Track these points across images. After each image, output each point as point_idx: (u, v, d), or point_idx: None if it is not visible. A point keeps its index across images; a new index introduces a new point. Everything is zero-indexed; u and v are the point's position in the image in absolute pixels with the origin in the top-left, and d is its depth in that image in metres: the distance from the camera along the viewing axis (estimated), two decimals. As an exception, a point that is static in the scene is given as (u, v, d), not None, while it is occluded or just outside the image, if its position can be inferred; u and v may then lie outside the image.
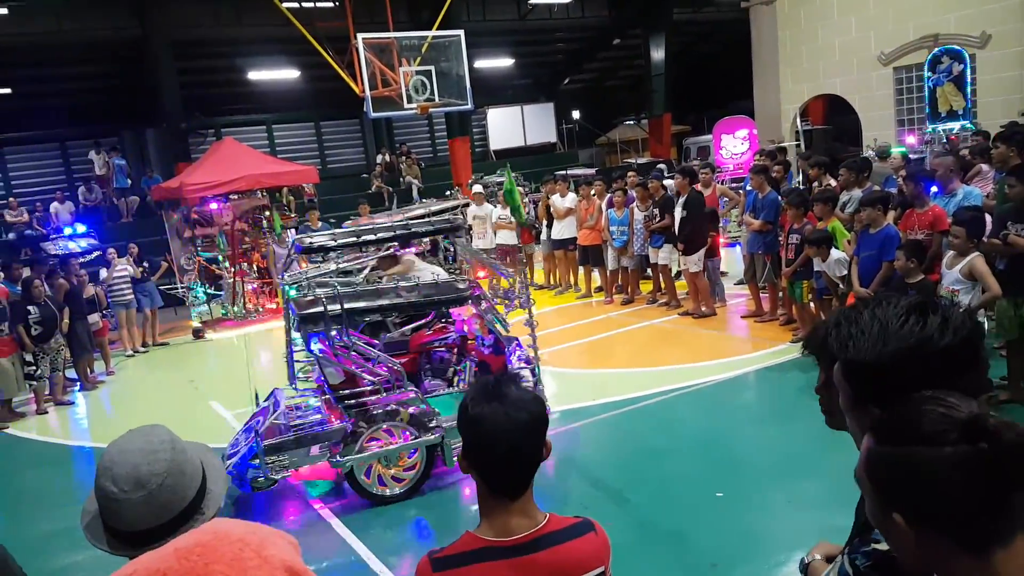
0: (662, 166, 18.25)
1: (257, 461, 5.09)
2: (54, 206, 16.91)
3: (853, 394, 1.31)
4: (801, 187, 9.19)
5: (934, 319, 1.25)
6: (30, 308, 8.67)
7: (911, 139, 13.38)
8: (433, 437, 5.22)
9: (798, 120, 16.65)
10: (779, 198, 8.21)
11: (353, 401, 5.30)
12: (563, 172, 17.32)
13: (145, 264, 11.39)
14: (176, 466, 1.49)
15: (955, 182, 6.55)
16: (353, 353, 5.24)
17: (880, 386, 1.23)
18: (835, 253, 6.75)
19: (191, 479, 1.53)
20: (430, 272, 6.59)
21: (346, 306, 5.13)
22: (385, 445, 5.19)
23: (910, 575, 1.14)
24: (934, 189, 6.71)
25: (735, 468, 5.18)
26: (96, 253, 12.64)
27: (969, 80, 13.53)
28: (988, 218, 6.13)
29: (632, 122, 27.63)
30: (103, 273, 10.98)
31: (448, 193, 16.60)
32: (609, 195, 11.02)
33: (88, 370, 9.69)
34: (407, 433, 5.22)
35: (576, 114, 27.34)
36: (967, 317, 1.28)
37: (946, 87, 13.74)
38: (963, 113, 13.56)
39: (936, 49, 13.86)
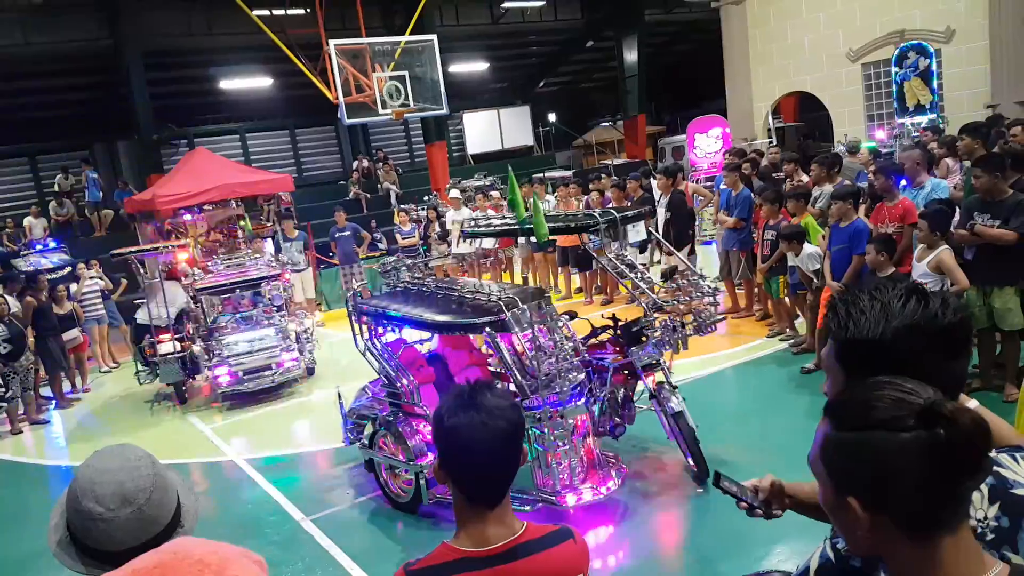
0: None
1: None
2: (28, 220, 16.67)
3: (845, 378, 1.32)
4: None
5: (935, 299, 1.29)
6: (-5, 325, 8.49)
7: (880, 134, 13.57)
8: (416, 464, 4.85)
9: (770, 118, 16.83)
10: (752, 195, 8.29)
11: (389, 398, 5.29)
12: (541, 175, 17.38)
13: (102, 279, 11.20)
14: (159, 480, 1.50)
15: (923, 175, 6.65)
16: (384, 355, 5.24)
17: (877, 367, 1.23)
18: (808, 248, 6.83)
19: (172, 493, 1.54)
20: None
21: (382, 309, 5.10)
22: (388, 453, 5.14)
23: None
24: (903, 183, 6.81)
25: (715, 464, 5.19)
26: (68, 269, 12.46)
27: (935, 74, 13.77)
28: (957, 209, 6.24)
29: (608, 124, 27.76)
30: (73, 287, 10.83)
31: (426, 198, 16.58)
32: (586, 197, 11.07)
33: (62, 387, 9.55)
34: (403, 452, 4.99)
35: (552, 117, 27.43)
36: (959, 301, 1.33)
37: (913, 82, 13.98)
38: (930, 107, 13.79)
39: (902, 45, 14.09)
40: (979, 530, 1.24)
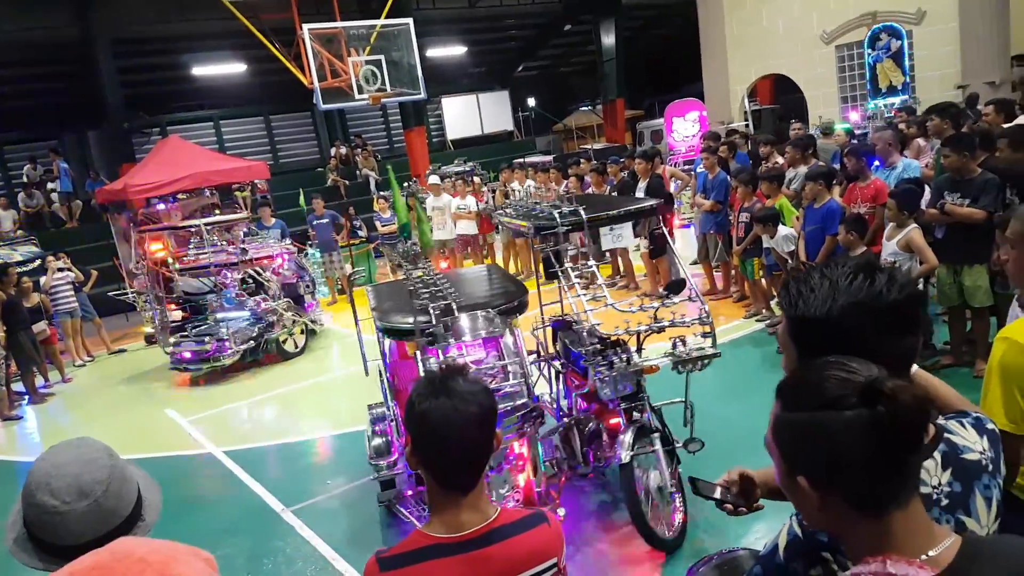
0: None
1: None
2: (-3, 212, 16.37)
3: (798, 355, 1.34)
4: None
5: (882, 276, 1.29)
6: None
7: (854, 115, 13.68)
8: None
9: (746, 100, 16.90)
10: (728, 178, 8.34)
11: None
12: (521, 160, 17.33)
13: (71, 273, 11.03)
14: (117, 472, 1.48)
15: (895, 155, 6.73)
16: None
17: (827, 344, 1.25)
18: (782, 230, 6.89)
19: (131, 485, 1.52)
20: None
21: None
22: None
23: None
24: (876, 163, 6.89)
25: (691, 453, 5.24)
26: (38, 261, 12.26)
27: (907, 56, 13.88)
28: (927, 188, 6.32)
29: (587, 108, 27.72)
30: (42, 280, 10.65)
31: (406, 184, 16.48)
32: (565, 181, 11.06)
33: (35, 382, 9.41)
34: None
35: (532, 101, 27.33)
36: (908, 277, 1.33)
37: (885, 63, 14.08)
38: (902, 88, 13.91)
39: (875, 26, 14.18)
40: (934, 496, 1.27)
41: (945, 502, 1.28)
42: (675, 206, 11.04)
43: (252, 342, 8.93)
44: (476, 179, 13.73)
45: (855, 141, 9.92)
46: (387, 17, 13.31)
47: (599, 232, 4.54)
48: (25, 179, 18.04)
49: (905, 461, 1.06)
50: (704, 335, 4.33)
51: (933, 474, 1.28)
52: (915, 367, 1.58)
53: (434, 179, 13.35)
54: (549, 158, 19.49)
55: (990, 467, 1.34)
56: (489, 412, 1.64)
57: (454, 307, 4.06)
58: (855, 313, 1.27)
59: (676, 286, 4.43)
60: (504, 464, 3.91)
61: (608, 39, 22.62)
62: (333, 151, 21.55)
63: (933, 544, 1.08)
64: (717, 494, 1.74)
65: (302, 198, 13.51)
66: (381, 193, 15.90)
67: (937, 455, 1.30)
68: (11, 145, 20.04)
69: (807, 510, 1.13)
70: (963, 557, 1.07)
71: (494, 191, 13.19)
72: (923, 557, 1.06)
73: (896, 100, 13.60)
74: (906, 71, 13.89)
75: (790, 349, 1.37)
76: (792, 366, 1.37)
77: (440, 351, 3.84)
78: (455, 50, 24.11)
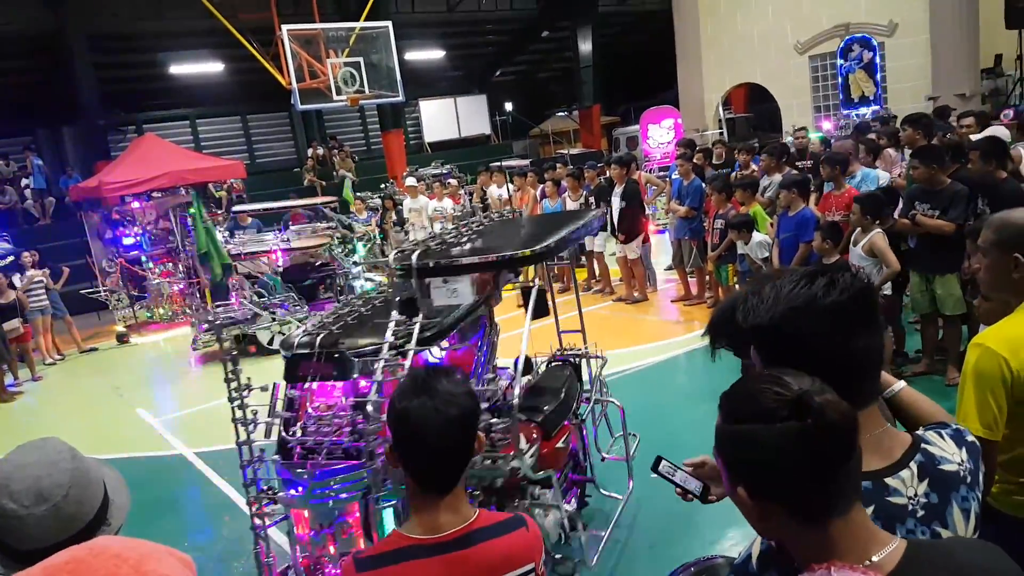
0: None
1: None
2: (-34, 209, 16.01)
3: (763, 364, 1.36)
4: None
5: (821, 280, 1.31)
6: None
7: (827, 125, 13.91)
8: None
9: (720, 109, 17.11)
10: (703, 185, 8.45)
11: None
12: (498, 164, 17.37)
13: (46, 270, 10.86)
14: (80, 476, 1.44)
15: (854, 164, 6.86)
16: None
17: (780, 352, 1.28)
18: (757, 236, 6.99)
19: (95, 489, 1.48)
20: None
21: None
22: None
23: None
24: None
25: (669, 450, 5.25)
26: (10, 258, 12.04)
27: (879, 67, 14.16)
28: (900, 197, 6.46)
29: (564, 114, 27.83)
30: (16, 280, 10.47)
31: (383, 186, 16.44)
32: (541, 186, 11.12)
33: (3, 380, 9.24)
34: None
35: (509, 106, 27.38)
36: (856, 278, 1.33)
37: (857, 74, 14.36)
38: (874, 99, 14.18)
39: (847, 37, 14.44)
40: (910, 507, 1.29)
41: (921, 513, 1.29)
42: (649, 211, 11.14)
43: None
44: (453, 182, 13.73)
45: (829, 149, 10.09)
46: (366, 20, 13.30)
47: (430, 286, 3.52)
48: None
49: (837, 471, 1.09)
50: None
51: (909, 485, 1.30)
52: (902, 383, 1.63)
53: (411, 181, 13.33)
54: (526, 162, 19.56)
55: (968, 479, 1.34)
56: (470, 415, 1.65)
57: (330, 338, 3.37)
58: (793, 318, 1.29)
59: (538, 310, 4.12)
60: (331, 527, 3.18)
61: (585, 45, 22.78)
62: (310, 152, 21.40)
63: (877, 549, 1.11)
64: (677, 477, 1.70)
65: (348, 189, 13.12)
66: (358, 195, 15.85)
67: (913, 465, 1.31)
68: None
69: (751, 520, 1.16)
70: (908, 561, 1.11)
71: (471, 194, 13.21)
72: (867, 562, 1.09)
73: (867, 111, 13.86)
74: (878, 82, 14.17)
75: (755, 359, 1.39)
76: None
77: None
78: (433, 53, 24.10)
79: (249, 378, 3.27)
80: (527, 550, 1.69)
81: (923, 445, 1.36)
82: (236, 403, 3.22)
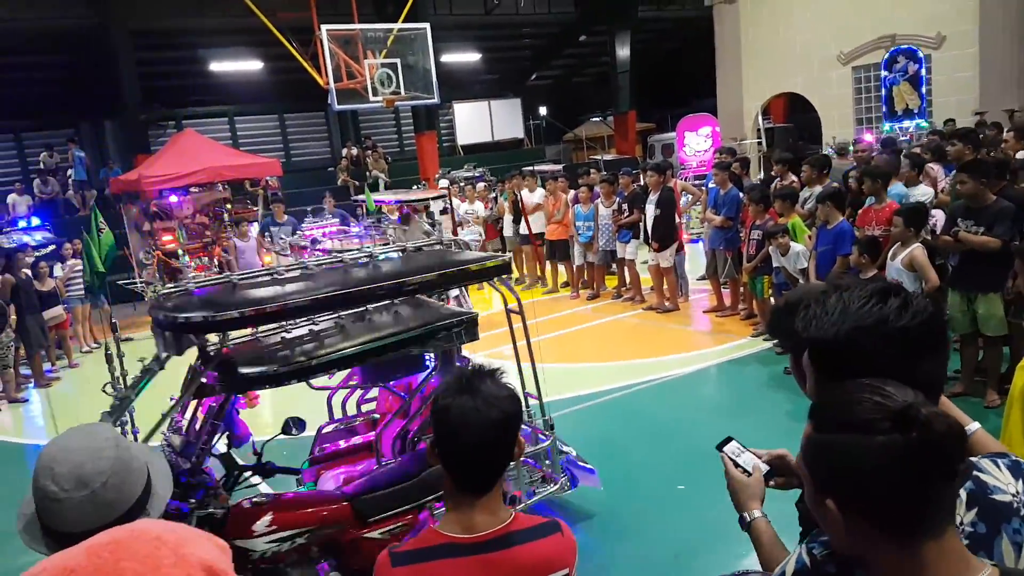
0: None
1: None
2: (11, 198, 16.45)
3: (817, 376, 1.33)
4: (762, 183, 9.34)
5: (894, 301, 1.27)
6: (-19, 303, 8.40)
7: (868, 137, 13.67)
8: None
9: (759, 118, 16.91)
10: (740, 195, 8.34)
11: None
12: (530, 168, 17.36)
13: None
14: (121, 465, 1.46)
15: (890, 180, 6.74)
16: None
17: (840, 367, 1.24)
18: (795, 247, 6.88)
19: (136, 479, 1.50)
20: None
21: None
22: None
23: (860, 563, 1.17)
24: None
25: (697, 461, 5.21)
26: (51, 247, 12.32)
27: (924, 79, 13.88)
28: (941, 215, 6.31)
29: (598, 119, 27.74)
30: (57, 270, 10.71)
31: (415, 187, 16.52)
32: (574, 191, 11.07)
33: (41, 366, 9.44)
34: None
35: (543, 110, 27.37)
36: (929, 303, 1.29)
37: (902, 86, 14.09)
38: (918, 112, 13.91)
39: (892, 49, 14.18)
40: None
41: (966, 542, 1.24)
42: (683, 220, 11.03)
43: None
44: (482, 185, 13.74)
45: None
46: (404, 21, 13.37)
47: None
48: (41, 166, 18.14)
49: (938, 490, 1.04)
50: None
51: (956, 512, 1.25)
52: (976, 425, 1.56)
53: (443, 183, 13.37)
54: (559, 167, 19.52)
55: (1023, 511, 1.29)
56: (512, 418, 1.65)
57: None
58: (859, 337, 1.26)
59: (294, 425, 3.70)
60: None
61: (623, 51, 22.67)
62: (344, 151, 21.61)
63: (969, 575, 1.06)
64: (742, 459, 1.72)
65: (371, 200, 13.06)
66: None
67: (963, 493, 1.27)
68: (29, 132, 20.15)
69: (834, 534, 1.12)
70: None
71: (496, 198, 13.19)
72: None
73: (911, 124, 13.60)
74: (923, 95, 13.89)
75: (809, 370, 1.36)
76: (814, 388, 1.37)
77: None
78: (469, 56, 24.19)
79: None
80: (562, 555, 1.69)
81: (975, 472, 1.30)
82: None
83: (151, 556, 1.09)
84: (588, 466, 4.10)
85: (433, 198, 10.49)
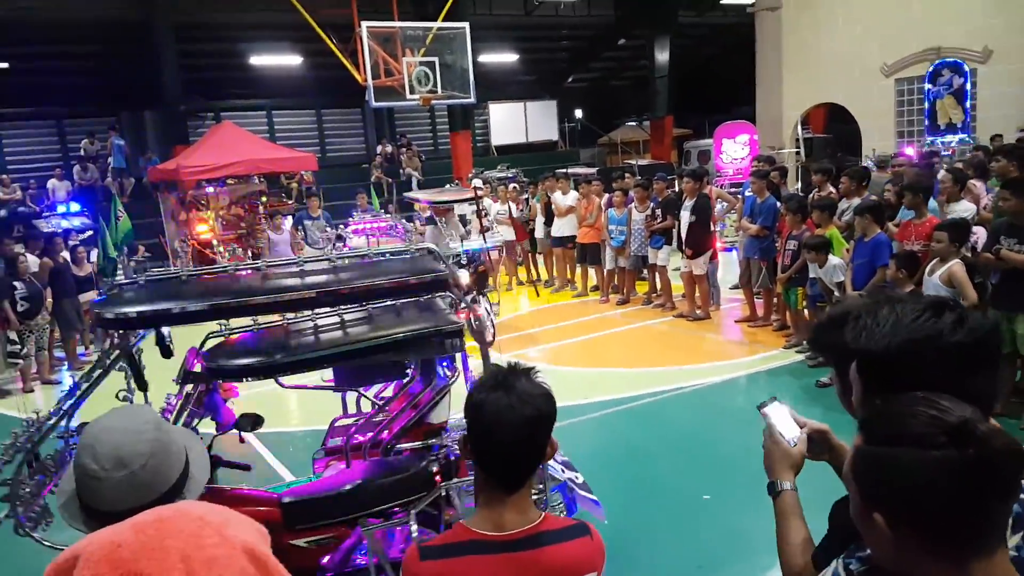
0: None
1: None
2: (51, 183, 16.85)
3: (864, 389, 1.30)
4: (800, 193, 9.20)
5: (949, 316, 1.25)
6: (16, 284, 8.55)
7: (910, 151, 13.41)
8: None
9: (799, 127, 16.68)
10: (777, 204, 8.22)
11: None
12: (564, 170, 17.33)
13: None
14: (160, 447, 1.49)
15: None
16: None
17: (889, 380, 1.22)
18: (833, 259, 6.77)
19: (175, 462, 1.52)
20: None
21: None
22: None
23: None
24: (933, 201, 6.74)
25: (723, 471, 5.18)
26: (89, 232, 12.57)
27: (969, 94, 13.58)
28: (983, 232, 6.16)
29: (634, 123, 27.61)
30: (94, 255, 10.92)
31: (448, 186, 16.57)
32: (608, 195, 11.01)
33: (75, 349, 9.63)
34: None
35: (579, 113, 27.32)
36: (985, 319, 1.27)
37: (946, 100, 13.79)
38: (962, 126, 13.61)
39: (937, 62, 13.90)
40: None
41: None
42: (718, 228, 10.92)
43: None
44: (515, 186, 13.73)
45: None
46: (444, 20, 13.42)
47: None
48: (82, 152, 18.55)
49: (992, 508, 1.01)
50: None
51: None
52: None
53: (477, 183, 13.38)
54: (593, 170, 19.45)
55: None
56: (546, 417, 1.64)
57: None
58: (911, 350, 1.23)
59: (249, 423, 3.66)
60: None
61: (661, 55, 22.53)
62: (379, 148, 21.79)
63: None
64: (780, 423, 1.69)
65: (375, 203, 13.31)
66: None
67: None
68: (71, 119, 20.61)
69: (881, 549, 1.09)
70: None
71: (528, 200, 13.18)
72: None
73: (954, 138, 13.31)
74: (967, 110, 13.58)
75: (856, 382, 1.33)
76: (860, 400, 1.34)
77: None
78: (507, 57, 24.23)
79: None
80: (591, 558, 1.69)
81: (1023, 495, 1.25)
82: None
83: (195, 535, 1.11)
84: (592, 496, 3.93)
85: (461, 200, 10.50)
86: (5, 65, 18.42)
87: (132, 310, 2.97)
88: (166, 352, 3.49)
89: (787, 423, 1.69)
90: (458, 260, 8.76)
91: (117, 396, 3.69)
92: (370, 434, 3.80)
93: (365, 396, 4.43)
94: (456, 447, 3.56)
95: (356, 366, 3.46)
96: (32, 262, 9.19)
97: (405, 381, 3.90)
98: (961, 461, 0.98)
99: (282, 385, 3.86)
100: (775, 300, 8.49)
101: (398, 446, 3.69)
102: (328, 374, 3.68)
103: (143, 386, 3.38)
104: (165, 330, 3.48)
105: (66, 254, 9.91)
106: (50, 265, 9.28)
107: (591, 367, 8.06)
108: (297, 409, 7.56)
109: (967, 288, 5.32)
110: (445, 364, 3.81)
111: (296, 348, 3.23)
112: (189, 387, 3.52)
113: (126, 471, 1.42)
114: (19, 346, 8.63)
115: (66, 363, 9.57)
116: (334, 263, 3.50)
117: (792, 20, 16.39)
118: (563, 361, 8.21)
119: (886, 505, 1.05)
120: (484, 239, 9.94)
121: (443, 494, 3.31)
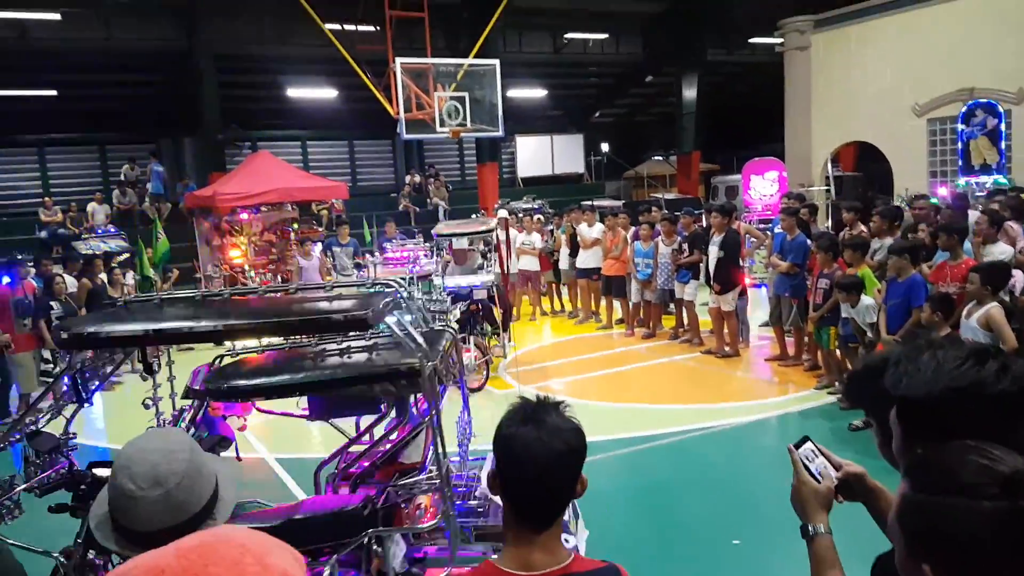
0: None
1: None
2: (91, 206, 17.26)
3: (904, 436, 1.29)
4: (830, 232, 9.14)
5: (992, 364, 1.23)
6: (52, 304, 8.71)
7: (943, 191, 13.28)
8: None
9: (829, 165, 16.61)
10: (808, 241, 8.17)
11: None
12: (589, 203, 17.39)
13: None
14: (194, 467, 1.52)
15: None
16: None
17: (930, 428, 1.21)
18: (865, 299, 6.69)
19: (207, 482, 1.56)
20: None
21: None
22: None
23: None
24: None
25: (753, 515, 5.08)
26: (126, 255, 12.84)
27: (1003, 134, 13.45)
28: (1021, 275, 6.06)
29: (660, 158, 27.71)
30: (130, 277, 11.13)
31: (473, 216, 16.71)
32: (634, 228, 11.02)
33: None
34: None
35: (605, 147, 27.50)
36: None
37: (980, 140, 13.66)
38: (996, 167, 13.46)
39: (971, 102, 13.80)
40: None
41: None
42: (747, 264, 10.86)
43: None
44: (539, 217, 13.82)
45: (939, 217, 9.61)
46: (475, 57, 13.66)
47: None
48: (122, 177, 19.01)
49: None
50: None
51: None
52: None
53: (503, 213, 13.48)
54: (618, 203, 19.49)
55: None
56: (576, 453, 1.62)
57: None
58: (953, 399, 1.22)
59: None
60: None
61: (689, 92, 22.67)
62: (408, 178, 22.11)
63: None
64: (815, 464, 1.65)
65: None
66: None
67: None
68: (113, 145, 21.19)
69: None
70: None
71: (552, 231, 13.25)
72: None
73: (988, 179, 13.16)
74: (1002, 151, 13.44)
75: (896, 428, 1.32)
76: (900, 447, 1.32)
77: None
78: (535, 92, 24.54)
79: None
80: None
81: None
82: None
83: (237, 563, 1.12)
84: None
85: (473, 233, 10.34)
86: (53, 92, 19.05)
87: (76, 331, 3.11)
88: (147, 369, 3.82)
89: (818, 462, 1.67)
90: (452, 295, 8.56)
91: (144, 404, 4.03)
92: (342, 466, 3.88)
93: (335, 427, 4.39)
94: (421, 488, 3.56)
95: (327, 398, 3.57)
96: (70, 283, 9.38)
97: (384, 415, 3.86)
98: (1013, 512, 0.97)
99: (259, 410, 4.04)
100: (806, 339, 8.38)
101: (367, 482, 3.70)
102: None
103: (80, 400, 3.62)
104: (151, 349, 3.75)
105: (104, 276, 10.11)
106: (88, 287, 9.48)
107: (616, 402, 7.99)
108: (324, 435, 7.59)
109: (1006, 332, 5.22)
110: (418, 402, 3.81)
111: (257, 374, 3.40)
112: (186, 402, 3.78)
113: (162, 490, 1.45)
114: (52, 365, 8.79)
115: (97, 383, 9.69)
116: (262, 297, 3.61)
117: (821, 60, 16.43)
118: (587, 395, 8.15)
119: (934, 556, 1.03)
120: (507, 268, 9.83)
121: (366, 541, 3.19)
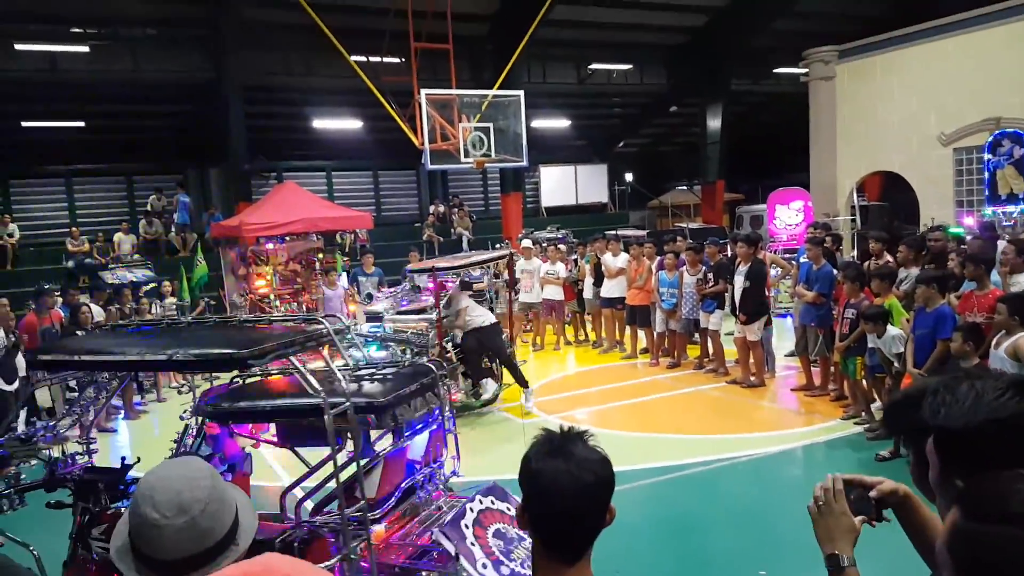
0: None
1: None
2: (118, 236, 17.54)
3: (941, 466, 1.27)
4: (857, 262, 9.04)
5: None
6: (78, 333, 8.86)
7: (969, 220, 13.11)
8: None
9: (854, 195, 16.48)
10: (834, 271, 8.09)
11: None
12: (613, 232, 17.40)
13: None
14: (216, 494, 1.53)
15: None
16: None
17: (968, 458, 1.20)
18: (892, 330, 6.58)
19: (228, 508, 1.56)
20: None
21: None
22: None
23: None
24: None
25: (780, 546, 4.98)
26: (152, 284, 13.03)
27: (1031, 165, 13.29)
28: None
29: (685, 187, 27.70)
30: (156, 307, 11.29)
31: (498, 246, 16.77)
32: (660, 257, 10.99)
33: (132, 398, 9.86)
34: None
35: (629, 176, 27.55)
36: None
37: (1006, 170, 13.50)
38: (1022, 197, 13.28)
39: (997, 132, 13.67)
40: None
41: None
42: (772, 294, 10.76)
43: None
44: (562, 247, 13.83)
45: (963, 247, 9.46)
46: (499, 88, 13.83)
47: None
48: (149, 208, 19.37)
49: None
50: None
51: None
52: None
53: (527, 243, 13.52)
54: (642, 232, 19.46)
55: None
56: (605, 484, 1.60)
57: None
58: (992, 430, 1.20)
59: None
60: None
61: (714, 122, 22.70)
62: (432, 208, 22.30)
63: None
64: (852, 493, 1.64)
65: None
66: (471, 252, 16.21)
67: None
68: (140, 175, 21.63)
69: None
70: None
71: (575, 260, 13.24)
72: None
73: (1015, 209, 12.97)
74: (1030, 180, 13.27)
75: (933, 458, 1.30)
76: (936, 478, 1.30)
77: None
78: (559, 122, 24.72)
79: None
80: None
81: None
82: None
83: None
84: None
85: (474, 264, 9.87)
86: (80, 124, 19.54)
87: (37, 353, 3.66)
88: (140, 388, 4.30)
89: (859, 493, 1.65)
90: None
91: (181, 418, 4.45)
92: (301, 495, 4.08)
93: (298, 456, 4.40)
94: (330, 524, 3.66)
95: (292, 426, 3.87)
96: (96, 312, 9.53)
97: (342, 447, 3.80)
98: None
99: (234, 433, 4.25)
100: (832, 369, 8.26)
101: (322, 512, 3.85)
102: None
103: (30, 411, 4.06)
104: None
105: (132, 305, 10.27)
106: (116, 316, 9.62)
107: (641, 431, 7.90)
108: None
109: None
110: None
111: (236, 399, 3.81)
112: (193, 420, 4.16)
113: (187, 517, 1.45)
114: (77, 392, 8.87)
115: (122, 411, 9.80)
116: (180, 328, 3.98)
117: (846, 90, 16.39)
118: (611, 424, 8.08)
119: None
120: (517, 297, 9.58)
121: None
